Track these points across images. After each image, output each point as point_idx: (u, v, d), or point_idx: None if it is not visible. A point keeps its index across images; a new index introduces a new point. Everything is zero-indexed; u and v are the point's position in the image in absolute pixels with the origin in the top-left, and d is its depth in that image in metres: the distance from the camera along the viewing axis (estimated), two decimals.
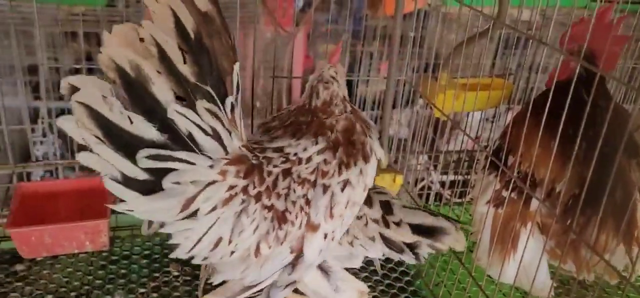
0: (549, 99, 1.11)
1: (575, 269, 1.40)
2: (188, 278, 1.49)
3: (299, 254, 1.14)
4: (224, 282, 1.21)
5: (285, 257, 1.13)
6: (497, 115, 1.92)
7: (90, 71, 2.71)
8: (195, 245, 1.05)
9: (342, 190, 1.14)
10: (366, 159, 1.19)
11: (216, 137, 0.99)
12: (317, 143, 1.17)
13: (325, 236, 1.14)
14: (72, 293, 1.42)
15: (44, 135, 2.34)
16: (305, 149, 1.16)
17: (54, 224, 1.52)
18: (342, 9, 2.67)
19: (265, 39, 2.67)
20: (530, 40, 1.85)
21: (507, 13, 1.58)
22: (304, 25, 2.66)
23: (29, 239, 1.49)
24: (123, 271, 1.50)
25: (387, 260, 1.62)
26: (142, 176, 0.94)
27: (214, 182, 1.01)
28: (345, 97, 1.29)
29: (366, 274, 1.55)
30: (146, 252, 1.58)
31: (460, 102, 1.71)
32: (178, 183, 0.97)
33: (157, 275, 1.50)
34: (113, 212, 1.60)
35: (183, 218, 1.01)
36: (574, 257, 1.41)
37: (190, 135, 0.95)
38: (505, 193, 1.42)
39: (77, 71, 2.62)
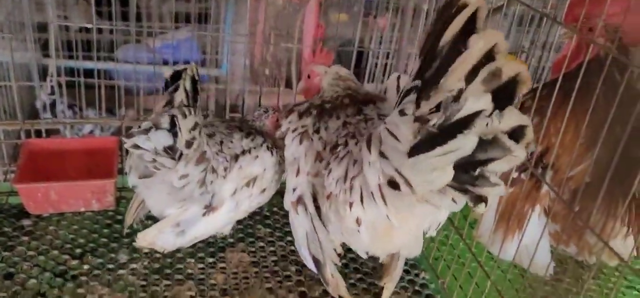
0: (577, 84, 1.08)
1: (576, 251, 1.41)
2: None
3: None
4: None
5: None
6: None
7: (99, 31, 2.71)
8: None
9: None
10: None
11: None
12: None
13: None
14: (78, 250, 1.45)
15: (52, 93, 2.35)
16: None
17: (60, 181, 1.54)
18: None
19: (276, 5, 2.65)
20: (544, 18, 1.82)
21: None
22: None
23: (35, 195, 1.51)
24: (128, 230, 1.52)
25: None
26: None
27: None
28: None
29: None
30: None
31: None
32: None
33: None
34: (120, 172, 1.62)
35: None
36: (577, 240, 1.41)
37: None
38: (514, 174, 1.42)
39: (87, 31, 2.63)
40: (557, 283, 1.49)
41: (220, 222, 1.42)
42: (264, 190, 1.47)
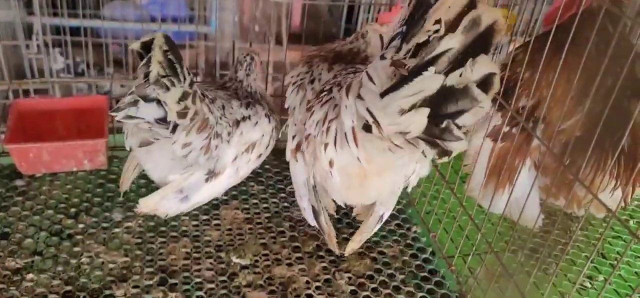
0: (569, 38, 1.07)
1: (564, 203, 1.43)
2: None
3: None
4: None
5: None
6: (498, 48, 1.89)
7: None
8: None
9: None
10: None
11: None
12: None
13: None
14: (72, 209, 1.45)
15: (39, 52, 2.31)
16: None
17: (52, 142, 1.53)
18: None
19: None
20: None
21: None
22: None
23: (27, 156, 1.50)
24: (125, 193, 1.52)
25: None
26: None
27: None
28: None
29: None
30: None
31: None
32: None
33: None
34: (111, 131, 1.61)
35: None
36: (566, 194, 1.44)
37: None
38: (505, 128, 1.43)
39: None
40: (545, 234, 1.52)
41: (221, 188, 1.43)
42: (260, 155, 1.48)
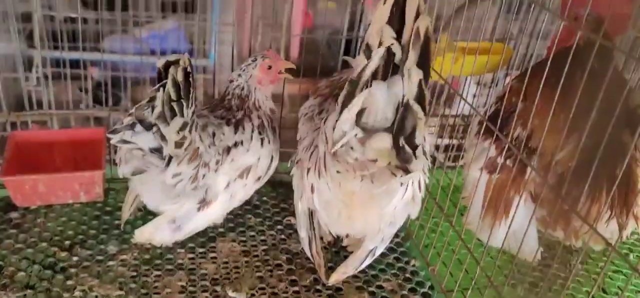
0: (565, 70, 1.08)
1: (563, 235, 1.42)
2: None
3: None
4: None
5: None
6: (495, 81, 1.90)
7: (85, 21, 2.67)
8: None
9: None
10: None
11: None
12: None
13: None
14: (67, 242, 1.44)
15: (38, 84, 2.32)
16: None
17: (48, 174, 1.52)
18: None
19: None
20: (532, 6, 1.82)
21: None
22: None
23: (23, 188, 1.50)
24: (117, 222, 1.51)
25: None
26: None
27: None
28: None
29: None
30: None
31: (459, 66, 1.70)
32: None
33: None
34: (107, 163, 1.60)
35: None
36: (563, 225, 1.43)
37: None
38: (500, 160, 1.43)
39: (72, 20, 2.58)
40: (545, 268, 1.51)
41: (215, 215, 1.42)
42: (259, 178, 1.47)
